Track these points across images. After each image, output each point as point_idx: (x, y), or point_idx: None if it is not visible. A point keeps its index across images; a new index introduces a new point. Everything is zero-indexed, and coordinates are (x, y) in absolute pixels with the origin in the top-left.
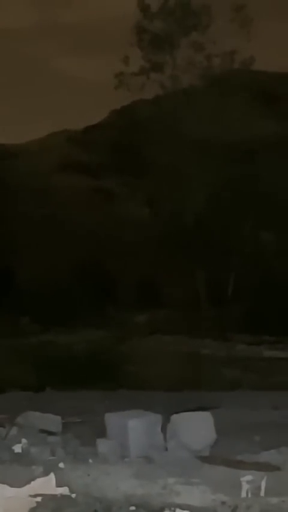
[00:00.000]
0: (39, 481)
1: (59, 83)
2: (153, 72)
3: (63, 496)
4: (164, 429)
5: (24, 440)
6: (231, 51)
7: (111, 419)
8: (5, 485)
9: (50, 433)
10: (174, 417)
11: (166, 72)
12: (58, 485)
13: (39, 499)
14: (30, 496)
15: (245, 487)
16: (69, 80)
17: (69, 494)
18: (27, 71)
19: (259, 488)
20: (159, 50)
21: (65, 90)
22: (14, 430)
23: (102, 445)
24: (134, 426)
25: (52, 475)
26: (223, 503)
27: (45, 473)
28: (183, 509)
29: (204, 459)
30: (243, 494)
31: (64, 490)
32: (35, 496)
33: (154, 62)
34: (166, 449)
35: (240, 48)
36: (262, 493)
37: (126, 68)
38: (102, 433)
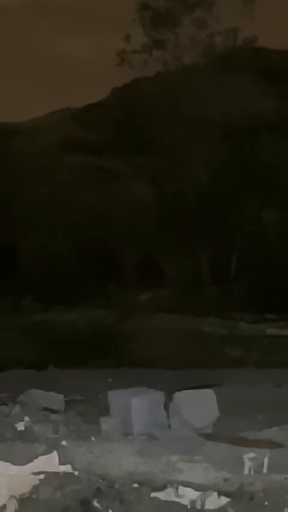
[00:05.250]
0: (42, 458)
1: (59, 61)
2: (155, 50)
3: (66, 474)
4: (167, 407)
5: (27, 418)
6: (234, 28)
7: (114, 397)
8: (8, 463)
9: (53, 411)
10: (177, 395)
11: (168, 49)
12: (61, 462)
13: (42, 476)
14: (33, 473)
15: (248, 464)
16: (70, 58)
17: (72, 471)
18: (26, 49)
19: (262, 465)
20: (161, 27)
21: (65, 68)
22: (16, 408)
23: (105, 423)
24: (137, 404)
25: (55, 453)
26: (226, 480)
27: (48, 451)
28: (186, 487)
29: (207, 437)
30: (246, 472)
31: (67, 468)
32: (38, 473)
33: (156, 39)
34: (169, 427)
35: (243, 26)
36: (265, 470)
37: (128, 46)
38: (105, 410)
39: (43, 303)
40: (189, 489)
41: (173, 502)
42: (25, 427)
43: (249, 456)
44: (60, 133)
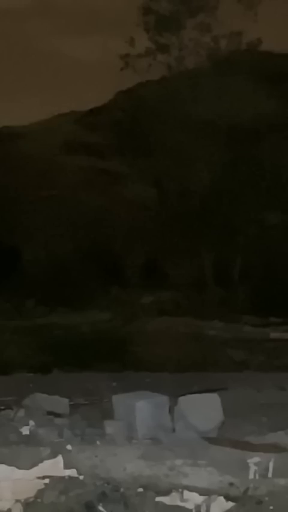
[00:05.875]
0: (47, 462)
1: (63, 65)
2: (159, 54)
3: (71, 478)
4: (171, 410)
5: (31, 422)
6: (238, 32)
7: (119, 400)
8: (13, 467)
9: (58, 415)
10: (182, 399)
11: (173, 53)
12: (66, 467)
13: (47, 480)
14: (38, 478)
15: (253, 468)
16: (74, 62)
17: (77, 475)
18: (31, 52)
19: (267, 469)
20: (165, 31)
21: (70, 72)
22: (21, 412)
23: (110, 427)
24: (142, 407)
25: (60, 457)
26: (230, 484)
27: (53, 455)
28: (191, 491)
29: (212, 441)
30: (251, 476)
31: (72, 472)
32: (43, 477)
33: (160, 43)
34: (173, 430)
35: (247, 29)
36: (270, 474)
37: (132, 50)
38: (109, 414)
39: (46, 305)
40: (194, 493)
41: (177, 506)
42: (30, 431)
43: (254, 460)
44: (64, 136)
